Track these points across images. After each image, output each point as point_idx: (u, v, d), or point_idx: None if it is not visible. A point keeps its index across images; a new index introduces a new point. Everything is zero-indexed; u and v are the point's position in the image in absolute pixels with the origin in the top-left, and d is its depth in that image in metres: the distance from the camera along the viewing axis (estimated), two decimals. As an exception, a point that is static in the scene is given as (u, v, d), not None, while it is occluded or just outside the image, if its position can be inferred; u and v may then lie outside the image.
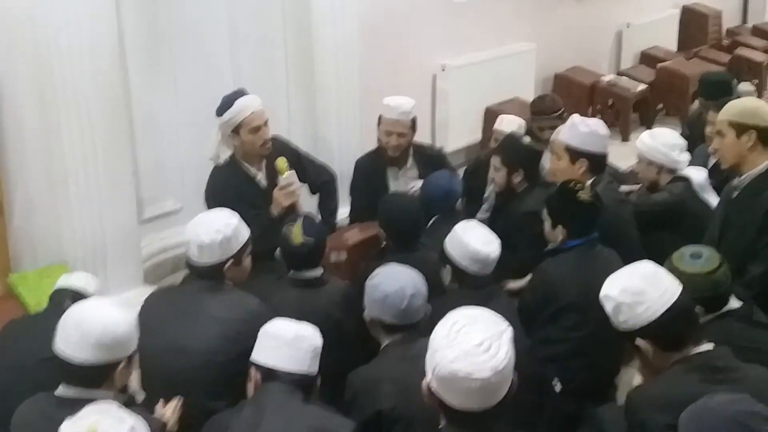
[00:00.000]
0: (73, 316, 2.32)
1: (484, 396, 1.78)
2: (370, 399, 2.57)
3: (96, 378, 2.29)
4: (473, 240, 3.08)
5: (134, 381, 2.72)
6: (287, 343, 2.44)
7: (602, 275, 3.21)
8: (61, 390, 2.31)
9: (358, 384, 2.64)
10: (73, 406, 2.19)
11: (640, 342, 2.31)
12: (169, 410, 2.60)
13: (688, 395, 2.03)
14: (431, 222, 3.83)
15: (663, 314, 2.28)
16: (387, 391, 2.56)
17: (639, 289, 2.32)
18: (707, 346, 2.31)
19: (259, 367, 2.46)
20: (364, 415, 2.56)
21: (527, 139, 4.15)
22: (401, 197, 3.84)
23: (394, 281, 2.72)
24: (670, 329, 2.29)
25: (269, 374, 2.44)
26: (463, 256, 3.07)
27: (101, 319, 2.29)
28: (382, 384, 2.58)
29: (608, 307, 2.38)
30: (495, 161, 4.02)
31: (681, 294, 2.32)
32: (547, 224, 3.41)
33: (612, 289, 2.37)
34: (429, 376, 1.84)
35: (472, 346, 1.76)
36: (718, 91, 5.07)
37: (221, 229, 2.88)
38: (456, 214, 3.89)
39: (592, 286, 3.16)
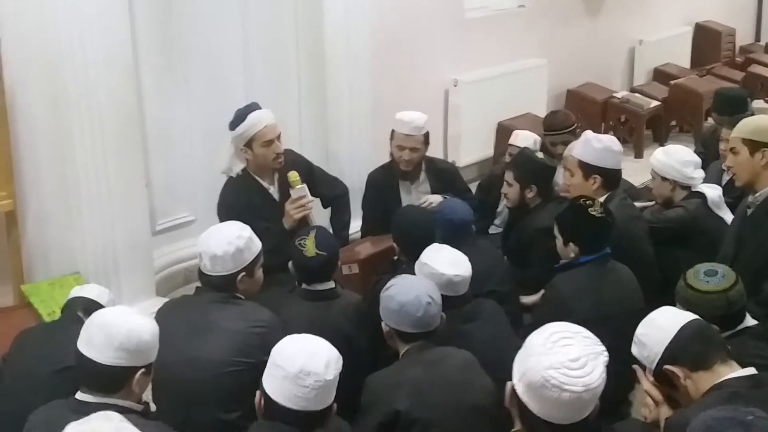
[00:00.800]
0: (99, 319, 2.34)
1: (571, 410, 1.78)
2: (389, 400, 2.58)
3: (115, 383, 2.29)
4: (440, 265, 3.03)
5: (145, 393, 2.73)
6: (289, 378, 2.14)
7: (615, 291, 3.26)
8: (80, 395, 2.32)
9: (377, 385, 2.65)
10: (90, 411, 2.19)
11: (669, 368, 2.29)
12: None
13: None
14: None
15: (678, 332, 2.30)
16: (405, 392, 2.58)
17: (650, 318, 2.40)
18: (747, 371, 2.27)
19: (263, 391, 2.23)
20: (381, 415, 2.56)
21: (541, 155, 4.15)
22: (416, 210, 3.83)
23: (410, 290, 2.74)
24: (690, 346, 2.29)
25: (269, 406, 2.20)
26: (437, 285, 2.98)
27: (127, 323, 2.31)
28: (400, 385, 2.60)
29: (636, 352, 2.41)
30: (508, 177, 4.03)
31: (694, 318, 2.36)
32: (559, 241, 3.41)
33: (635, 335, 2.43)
34: (516, 379, 1.83)
35: (569, 359, 1.77)
36: (733, 107, 5.08)
37: (233, 241, 2.90)
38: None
39: (605, 301, 3.20)
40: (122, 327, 2.29)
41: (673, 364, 2.30)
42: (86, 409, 2.21)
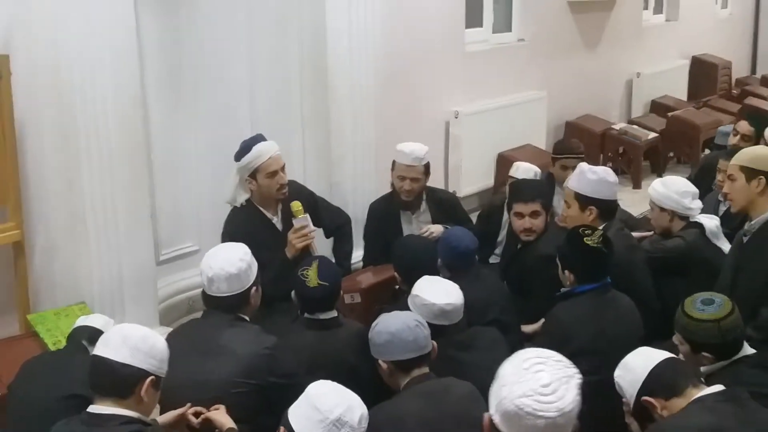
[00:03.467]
0: (117, 327, 2.51)
1: None
2: None
3: (125, 385, 2.34)
4: (431, 296, 3.09)
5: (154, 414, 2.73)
6: (325, 423, 2.25)
7: (616, 320, 3.27)
8: (91, 408, 2.36)
9: (382, 418, 2.61)
10: (103, 423, 2.27)
11: (646, 399, 2.46)
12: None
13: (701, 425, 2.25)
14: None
15: (650, 373, 2.48)
16: (412, 425, 2.56)
17: (625, 361, 2.59)
18: (716, 387, 2.42)
19: (288, 427, 2.30)
20: None
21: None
22: (416, 239, 3.86)
23: (395, 320, 2.80)
24: (661, 378, 2.47)
25: None
26: (429, 315, 3.05)
27: (144, 329, 2.46)
28: (406, 418, 2.59)
29: (618, 390, 2.60)
30: (533, 206, 4.02)
31: (666, 357, 2.52)
32: (559, 268, 3.44)
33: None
34: (493, 410, 1.85)
35: (540, 386, 1.78)
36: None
37: (243, 257, 2.99)
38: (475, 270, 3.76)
39: (605, 330, 3.20)
40: (139, 330, 2.44)
41: (651, 396, 2.46)
42: (98, 421, 2.27)
